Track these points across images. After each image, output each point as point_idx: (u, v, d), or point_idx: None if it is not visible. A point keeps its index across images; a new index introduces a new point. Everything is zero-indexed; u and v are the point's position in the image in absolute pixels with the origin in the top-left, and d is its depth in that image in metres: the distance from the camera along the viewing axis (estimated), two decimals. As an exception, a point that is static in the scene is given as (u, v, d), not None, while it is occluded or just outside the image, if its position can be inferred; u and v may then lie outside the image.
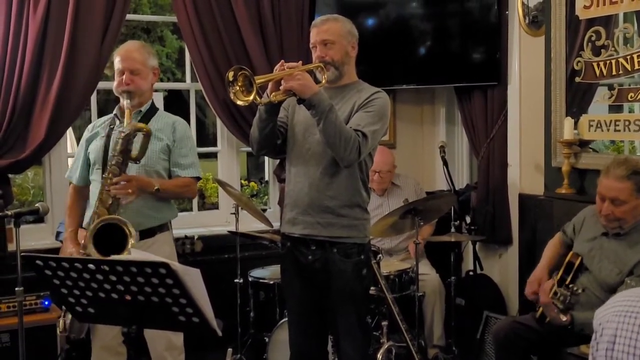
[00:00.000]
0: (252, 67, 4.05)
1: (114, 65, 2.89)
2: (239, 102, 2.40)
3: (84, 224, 2.92)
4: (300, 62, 2.58)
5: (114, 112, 2.95)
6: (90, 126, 3.01)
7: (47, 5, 3.55)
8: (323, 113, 2.46)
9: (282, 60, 2.55)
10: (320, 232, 2.63)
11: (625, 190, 2.78)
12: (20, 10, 3.54)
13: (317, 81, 2.60)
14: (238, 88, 2.38)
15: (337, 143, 2.47)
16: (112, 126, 2.89)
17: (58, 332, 2.83)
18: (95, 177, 2.86)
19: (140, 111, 2.90)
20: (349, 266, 2.63)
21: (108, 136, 2.86)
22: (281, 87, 2.49)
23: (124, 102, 2.81)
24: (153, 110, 2.94)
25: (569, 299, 2.72)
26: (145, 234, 2.82)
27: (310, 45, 2.70)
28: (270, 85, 2.52)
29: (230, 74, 2.38)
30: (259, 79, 2.39)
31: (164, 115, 2.96)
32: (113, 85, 2.88)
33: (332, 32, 2.64)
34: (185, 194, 3.01)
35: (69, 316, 2.75)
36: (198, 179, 2.95)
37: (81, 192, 2.96)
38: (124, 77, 2.82)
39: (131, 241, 2.56)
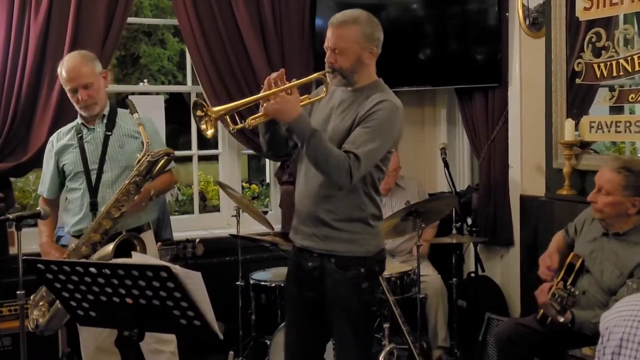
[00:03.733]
0: (253, 69, 4.06)
1: (60, 78, 2.90)
2: (210, 133, 2.28)
3: (67, 230, 2.98)
4: (294, 80, 2.38)
5: (78, 121, 2.97)
6: (53, 139, 3.01)
7: (49, 9, 3.56)
8: (304, 140, 2.29)
9: (272, 77, 2.35)
10: (318, 245, 2.49)
11: (613, 181, 2.78)
12: (22, 14, 3.54)
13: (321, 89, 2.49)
14: (207, 119, 2.26)
15: (323, 168, 2.33)
16: (80, 134, 2.94)
17: (30, 328, 2.83)
18: (76, 185, 2.93)
19: (104, 115, 2.95)
20: (345, 279, 2.46)
21: (81, 145, 2.92)
22: (261, 109, 2.34)
23: (136, 116, 2.84)
24: (114, 111, 2.99)
25: (566, 300, 2.71)
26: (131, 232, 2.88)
27: (324, 46, 2.46)
28: (262, 101, 2.35)
29: (198, 112, 2.25)
30: (219, 111, 2.26)
31: (125, 113, 2.98)
32: (69, 95, 2.90)
33: (345, 38, 2.38)
34: (170, 186, 3.17)
35: (35, 313, 2.81)
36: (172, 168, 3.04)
37: (52, 203, 3.04)
38: (79, 95, 2.86)
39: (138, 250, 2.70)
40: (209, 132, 2.28)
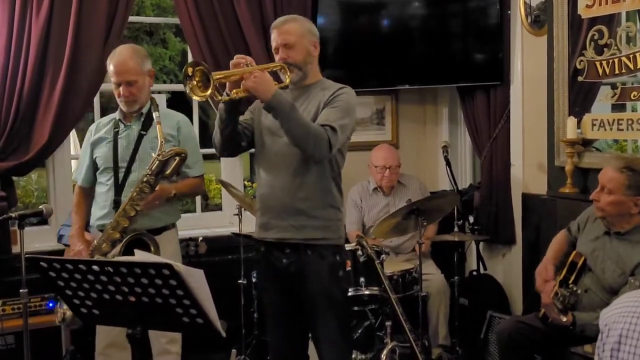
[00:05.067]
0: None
1: (107, 68, 2.91)
2: (195, 98, 2.35)
3: (92, 223, 2.98)
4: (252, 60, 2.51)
5: (117, 116, 2.98)
6: (92, 128, 3.03)
7: (50, 8, 3.56)
8: (284, 113, 2.41)
9: (240, 56, 2.48)
10: (294, 235, 2.58)
11: (616, 180, 2.78)
12: (23, 14, 3.55)
13: (280, 81, 2.58)
14: (195, 83, 2.34)
15: (304, 141, 2.43)
16: (116, 129, 2.93)
17: (57, 322, 2.86)
18: (104, 180, 2.93)
19: (142, 113, 2.94)
20: (325, 267, 2.58)
21: (115, 141, 2.91)
22: (242, 85, 2.43)
23: (155, 110, 2.83)
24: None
25: (568, 299, 2.71)
26: (152, 232, 2.86)
27: (272, 49, 2.65)
28: (228, 84, 2.46)
29: (189, 69, 2.33)
30: (217, 75, 2.35)
31: (165, 115, 2.96)
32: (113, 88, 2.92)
33: (292, 32, 2.59)
34: (195, 193, 3.18)
35: (65, 305, 2.81)
36: (203, 175, 3.07)
37: (87, 192, 3.03)
38: (121, 89, 2.85)
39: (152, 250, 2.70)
40: (197, 98, 2.34)
